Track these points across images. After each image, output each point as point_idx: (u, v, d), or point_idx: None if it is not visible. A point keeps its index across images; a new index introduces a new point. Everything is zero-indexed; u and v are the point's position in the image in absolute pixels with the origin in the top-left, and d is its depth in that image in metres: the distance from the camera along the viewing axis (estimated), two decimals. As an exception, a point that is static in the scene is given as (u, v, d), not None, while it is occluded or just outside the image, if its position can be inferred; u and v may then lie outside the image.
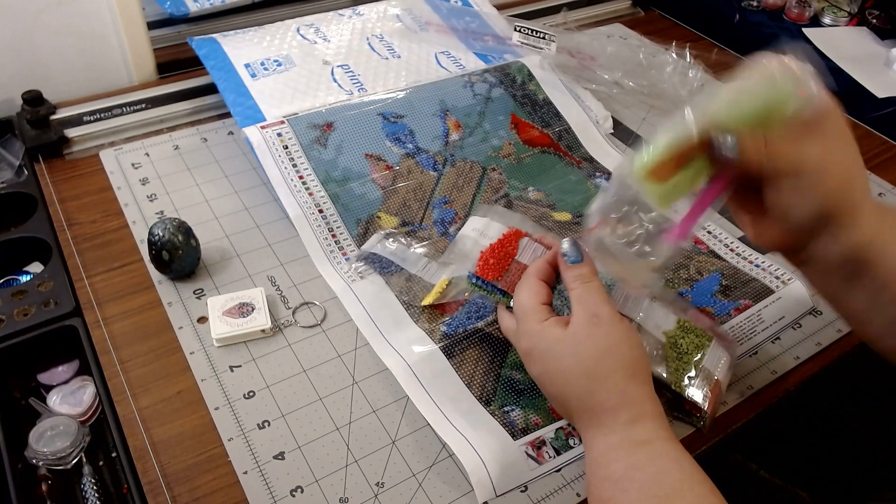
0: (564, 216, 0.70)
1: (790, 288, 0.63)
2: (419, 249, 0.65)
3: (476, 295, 0.57)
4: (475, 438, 0.50)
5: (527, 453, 0.50)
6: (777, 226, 0.45)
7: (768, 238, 0.47)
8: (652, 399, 0.45)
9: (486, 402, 0.53)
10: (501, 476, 0.49)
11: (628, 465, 0.42)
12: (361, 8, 0.88)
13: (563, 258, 0.49)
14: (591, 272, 0.48)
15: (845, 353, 0.60)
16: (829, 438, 0.80)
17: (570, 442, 0.51)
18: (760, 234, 0.47)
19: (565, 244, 0.49)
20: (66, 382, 0.57)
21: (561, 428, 0.52)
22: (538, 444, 0.51)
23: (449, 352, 0.56)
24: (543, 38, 0.86)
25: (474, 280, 0.54)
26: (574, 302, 0.47)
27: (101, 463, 0.53)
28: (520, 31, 0.86)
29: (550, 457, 0.50)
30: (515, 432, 0.51)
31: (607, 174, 0.75)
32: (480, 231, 0.59)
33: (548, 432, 0.51)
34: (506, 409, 0.52)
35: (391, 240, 0.63)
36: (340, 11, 0.88)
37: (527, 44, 0.86)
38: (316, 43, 0.82)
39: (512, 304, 0.51)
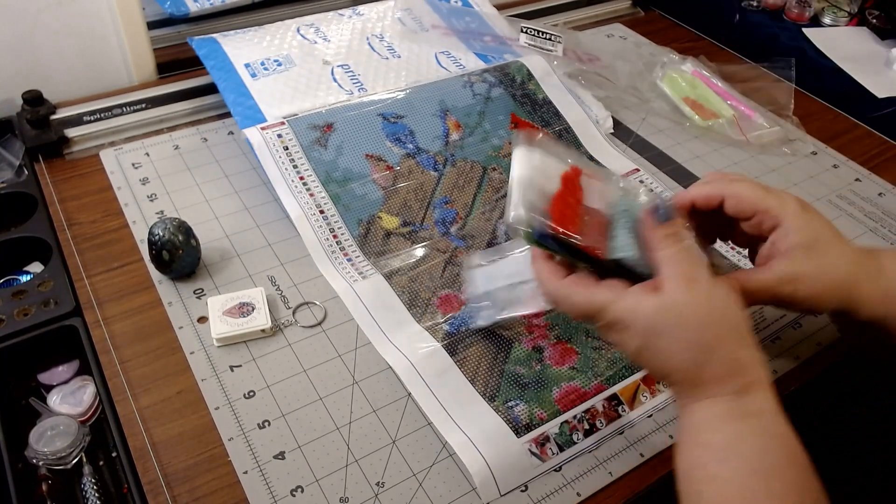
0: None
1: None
2: (420, 250, 0.65)
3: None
4: (479, 438, 0.50)
5: (530, 451, 0.50)
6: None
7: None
8: (762, 364, 0.42)
9: (491, 399, 0.53)
10: (505, 476, 0.49)
11: (733, 436, 0.40)
12: (361, 8, 0.88)
13: (650, 216, 0.44)
14: (682, 231, 0.44)
15: (846, 353, 0.60)
16: (828, 438, 0.79)
17: (574, 437, 0.51)
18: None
19: (654, 201, 0.45)
20: (66, 382, 0.57)
21: (566, 422, 0.52)
22: (542, 441, 0.51)
23: (452, 349, 0.56)
24: (549, 38, 0.86)
25: (544, 239, 0.44)
26: (664, 264, 0.42)
27: (101, 463, 0.53)
28: (526, 31, 0.86)
29: (554, 453, 0.50)
30: (519, 429, 0.51)
31: (607, 174, 0.75)
32: (541, 169, 0.47)
33: (552, 427, 0.51)
34: (510, 404, 0.52)
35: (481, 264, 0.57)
36: (340, 11, 0.88)
37: (533, 45, 0.86)
38: (316, 43, 0.82)
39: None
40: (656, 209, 0.44)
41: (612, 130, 0.83)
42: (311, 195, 0.67)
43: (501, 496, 0.49)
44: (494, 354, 0.56)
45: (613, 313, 0.43)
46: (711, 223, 0.51)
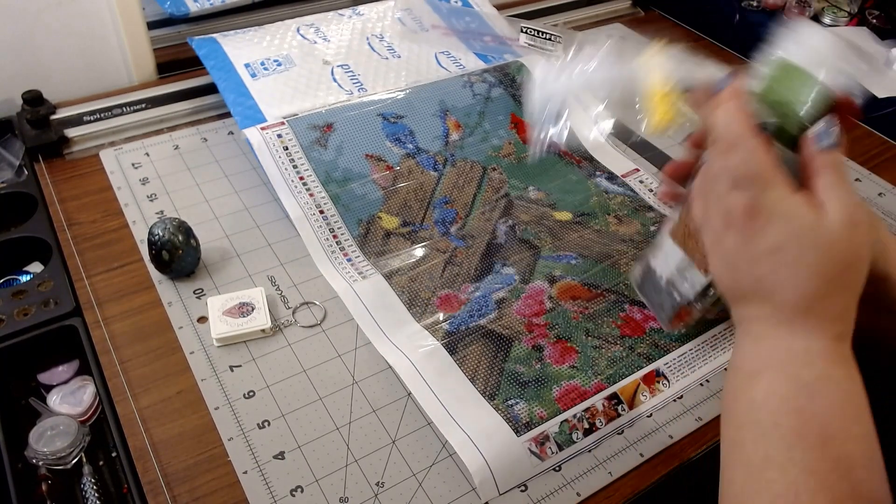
0: (565, 216, 0.70)
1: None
2: (419, 250, 0.65)
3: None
4: (479, 437, 0.50)
5: (530, 450, 0.50)
6: None
7: None
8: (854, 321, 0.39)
9: (491, 397, 0.53)
10: (505, 475, 0.49)
11: (824, 375, 0.38)
12: (361, 8, 0.88)
13: (814, 139, 0.40)
14: (844, 164, 0.40)
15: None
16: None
17: (574, 436, 0.51)
18: None
19: (820, 123, 0.40)
20: (66, 382, 0.57)
21: (565, 421, 0.52)
22: (541, 440, 0.51)
23: (452, 348, 0.56)
24: (550, 39, 0.86)
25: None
26: (829, 190, 0.38)
27: (101, 463, 0.53)
28: (526, 32, 0.86)
29: (553, 452, 0.50)
30: (519, 428, 0.51)
31: (607, 173, 0.75)
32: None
33: (552, 426, 0.51)
34: (510, 402, 0.52)
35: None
36: (340, 11, 0.88)
37: (533, 45, 0.86)
38: (316, 43, 0.82)
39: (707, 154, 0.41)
40: (820, 135, 0.40)
41: (613, 130, 0.83)
42: (311, 195, 0.67)
43: (500, 495, 0.49)
44: (494, 353, 0.56)
45: (779, 197, 0.38)
46: None
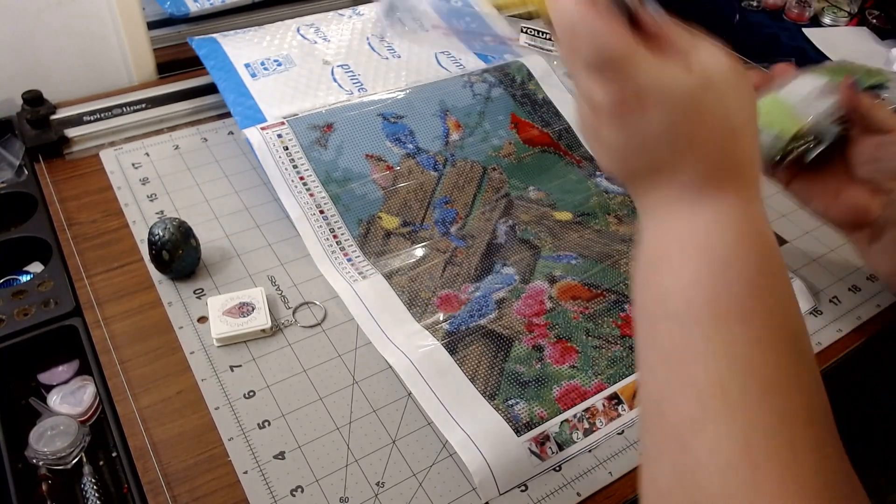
0: (565, 215, 0.70)
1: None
2: (419, 250, 0.65)
3: None
4: (479, 436, 0.50)
5: (530, 450, 0.50)
6: (862, 188, 0.47)
7: (849, 202, 0.46)
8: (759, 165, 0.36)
9: (491, 397, 0.53)
10: (505, 474, 0.49)
11: (738, 245, 0.33)
12: (361, 8, 0.88)
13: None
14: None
15: (845, 352, 0.60)
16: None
17: (574, 436, 0.51)
18: (836, 202, 0.47)
19: None
20: (66, 382, 0.57)
21: (566, 421, 0.52)
22: (542, 440, 0.51)
23: (452, 348, 0.56)
24: (550, 38, 0.86)
25: None
26: (693, 45, 0.35)
27: (101, 463, 0.53)
28: (526, 31, 0.86)
29: (553, 452, 0.50)
30: (519, 427, 0.51)
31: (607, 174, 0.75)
32: None
33: (552, 426, 0.51)
34: (510, 402, 0.52)
35: None
36: (340, 11, 0.88)
37: (533, 45, 0.86)
38: (316, 43, 0.82)
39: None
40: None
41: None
42: (311, 195, 0.67)
43: (500, 495, 0.49)
44: (494, 353, 0.56)
45: (647, 74, 0.33)
46: None
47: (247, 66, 0.77)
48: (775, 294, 0.32)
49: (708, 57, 0.34)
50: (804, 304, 0.63)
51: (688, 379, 0.31)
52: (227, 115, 0.79)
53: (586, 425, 0.52)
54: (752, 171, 0.35)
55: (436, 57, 0.84)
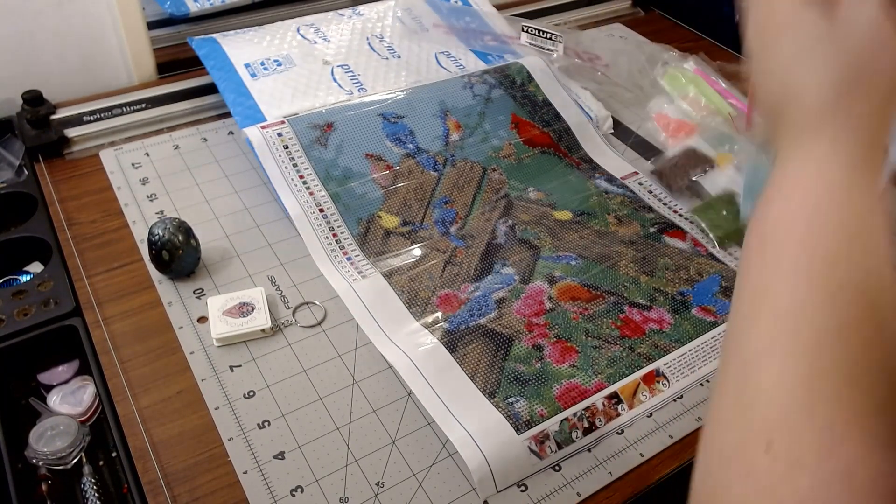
0: (565, 215, 0.70)
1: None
2: (419, 250, 0.65)
3: None
4: (479, 434, 0.50)
5: (530, 448, 0.50)
6: None
7: None
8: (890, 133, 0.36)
9: (491, 395, 0.53)
10: (504, 472, 0.49)
11: (848, 185, 0.33)
12: (361, 8, 0.88)
13: None
14: None
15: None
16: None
17: (574, 435, 0.51)
18: None
19: None
20: (66, 382, 0.57)
21: (566, 419, 0.52)
22: (541, 439, 0.51)
23: (452, 346, 0.56)
24: (550, 38, 0.86)
25: None
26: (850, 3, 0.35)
27: (101, 463, 0.53)
28: (527, 31, 0.86)
29: (552, 451, 0.51)
30: (520, 425, 0.51)
31: (607, 175, 0.75)
32: None
33: (552, 424, 0.51)
34: (510, 400, 0.52)
35: None
36: (340, 11, 0.88)
37: (534, 44, 0.86)
38: (316, 43, 0.82)
39: None
40: None
41: (612, 130, 0.83)
42: (311, 194, 0.67)
43: (498, 492, 0.49)
44: (494, 352, 0.56)
45: (791, 7, 0.36)
46: None
47: (247, 66, 0.77)
48: (871, 249, 0.32)
49: (858, 8, 0.34)
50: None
51: (770, 301, 0.32)
52: (227, 115, 0.79)
53: (586, 424, 0.52)
54: (878, 119, 0.34)
55: (436, 57, 0.84)
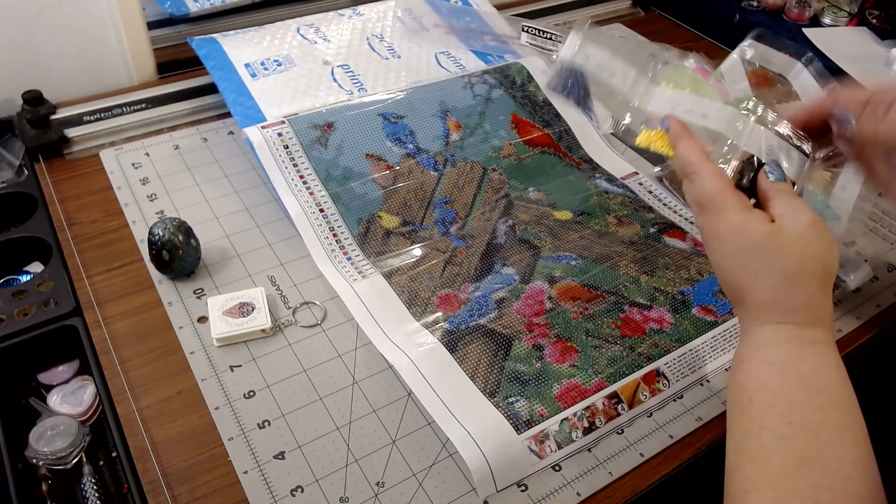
0: (565, 215, 0.70)
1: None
2: (419, 250, 0.65)
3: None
4: (479, 433, 0.50)
5: (529, 448, 0.50)
6: None
7: None
8: (831, 309, 0.45)
9: (491, 394, 0.53)
10: (503, 472, 0.49)
11: (791, 355, 0.43)
12: (361, 8, 0.88)
13: (766, 173, 0.48)
14: (791, 189, 0.48)
15: (845, 352, 0.60)
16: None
17: (573, 435, 0.51)
18: None
19: (769, 163, 0.48)
20: (66, 382, 0.57)
21: (566, 419, 0.52)
22: (541, 439, 0.51)
23: (452, 346, 0.56)
24: (550, 38, 0.86)
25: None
26: (781, 207, 0.46)
27: (101, 463, 0.53)
28: (527, 31, 0.86)
29: (552, 451, 0.51)
30: (519, 425, 0.51)
31: (607, 175, 0.75)
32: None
33: (552, 424, 0.51)
34: (510, 400, 0.52)
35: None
36: (340, 11, 0.88)
37: (534, 44, 0.86)
38: (316, 43, 0.82)
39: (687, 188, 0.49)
40: (771, 170, 0.48)
41: (612, 130, 0.83)
42: (311, 193, 0.67)
43: (498, 492, 0.49)
44: (494, 351, 0.56)
45: (733, 217, 0.45)
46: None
47: (247, 66, 0.77)
48: (819, 400, 0.42)
49: (791, 216, 0.45)
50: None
51: (746, 451, 0.42)
52: (227, 115, 0.79)
53: (586, 424, 0.52)
54: (813, 304, 0.44)
55: (436, 57, 0.84)
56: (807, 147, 0.51)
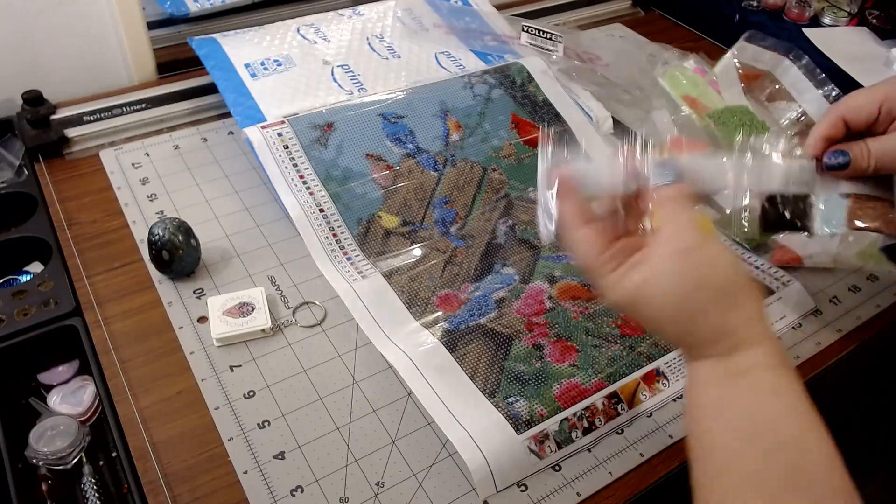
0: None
1: (790, 289, 0.63)
2: (419, 250, 0.65)
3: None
4: (478, 433, 0.50)
5: (529, 448, 0.50)
6: None
7: None
8: (754, 323, 0.41)
9: (491, 394, 0.53)
10: (503, 472, 0.49)
11: (720, 396, 0.40)
12: (361, 8, 0.88)
13: (654, 175, 0.45)
14: (683, 196, 0.44)
15: (845, 352, 0.60)
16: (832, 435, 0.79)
17: (573, 435, 0.51)
18: None
19: (650, 166, 0.45)
20: (66, 382, 0.57)
21: (566, 419, 0.52)
22: (541, 439, 0.51)
23: (452, 346, 0.56)
24: (550, 38, 0.86)
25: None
26: (656, 236, 0.43)
27: (101, 463, 0.53)
28: (527, 31, 0.86)
29: (552, 451, 0.51)
30: (519, 425, 0.51)
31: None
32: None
33: (552, 424, 0.51)
34: (510, 399, 0.52)
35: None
36: (340, 11, 0.88)
37: (534, 44, 0.86)
38: (316, 43, 0.82)
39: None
40: (663, 166, 0.44)
41: (612, 131, 0.83)
42: (311, 193, 0.67)
43: (498, 492, 0.49)
44: (494, 351, 0.56)
45: (605, 280, 0.43)
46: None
47: (247, 66, 0.77)
48: (758, 445, 0.39)
49: (657, 255, 0.41)
50: (804, 306, 0.63)
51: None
52: (227, 115, 0.79)
53: (586, 424, 0.52)
54: (723, 331, 0.41)
55: (436, 57, 0.84)
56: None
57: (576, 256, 0.45)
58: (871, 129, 0.53)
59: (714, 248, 0.42)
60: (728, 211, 0.62)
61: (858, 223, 0.52)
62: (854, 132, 0.53)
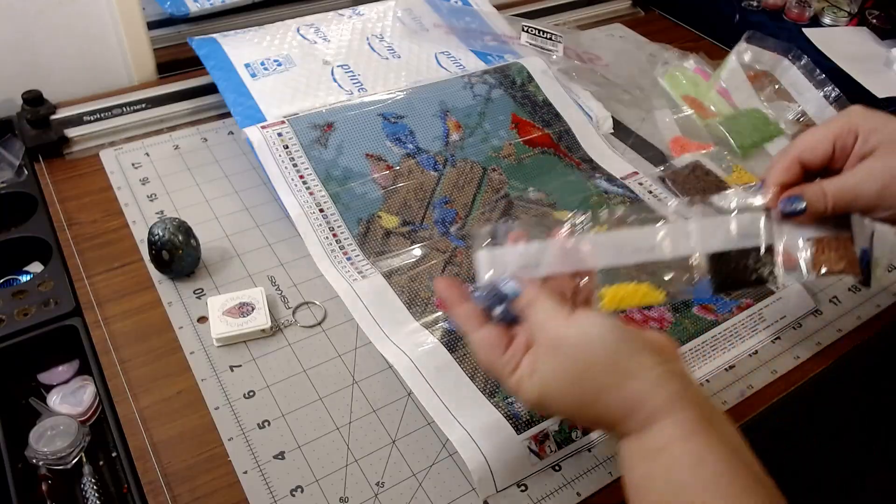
0: (565, 215, 0.69)
1: (791, 289, 0.63)
2: (419, 250, 0.65)
3: None
4: (478, 433, 0.50)
5: (529, 448, 0.50)
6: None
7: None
8: (662, 386, 0.39)
9: (491, 394, 0.53)
10: (503, 472, 0.49)
11: (644, 474, 0.39)
12: (361, 8, 0.88)
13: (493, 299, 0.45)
14: (530, 295, 0.44)
15: (846, 352, 0.60)
16: (829, 438, 0.80)
17: (573, 435, 0.51)
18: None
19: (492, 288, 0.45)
20: (66, 382, 0.57)
21: (565, 419, 0.52)
22: (541, 438, 0.51)
23: (452, 346, 0.56)
24: (550, 38, 0.86)
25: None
26: (526, 334, 0.43)
27: (101, 463, 0.53)
28: (527, 31, 0.87)
29: (552, 451, 0.51)
30: (519, 425, 0.51)
31: (606, 175, 0.75)
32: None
33: (552, 424, 0.51)
34: (510, 399, 0.52)
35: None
36: (340, 11, 0.88)
37: (534, 44, 0.86)
38: (316, 43, 0.82)
39: None
40: (500, 287, 0.45)
41: (612, 131, 0.83)
42: (311, 193, 0.67)
43: (498, 492, 0.49)
44: (494, 354, 0.56)
45: (509, 388, 0.43)
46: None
47: (247, 66, 0.77)
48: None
49: (534, 352, 0.42)
50: (804, 306, 0.63)
51: None
52: (227, 115, 0.79)
53: (586, 425, 0.52)
54: (618, 412, 0.40)
55: (436, 57, 0.84)
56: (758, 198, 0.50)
57: (476, 359, 0.45)
58: (827, 168, 0.51)
59: (579, 328, 0.41)
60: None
61: (823, 269, 0.50)
62: (810, 172, 0.52)
